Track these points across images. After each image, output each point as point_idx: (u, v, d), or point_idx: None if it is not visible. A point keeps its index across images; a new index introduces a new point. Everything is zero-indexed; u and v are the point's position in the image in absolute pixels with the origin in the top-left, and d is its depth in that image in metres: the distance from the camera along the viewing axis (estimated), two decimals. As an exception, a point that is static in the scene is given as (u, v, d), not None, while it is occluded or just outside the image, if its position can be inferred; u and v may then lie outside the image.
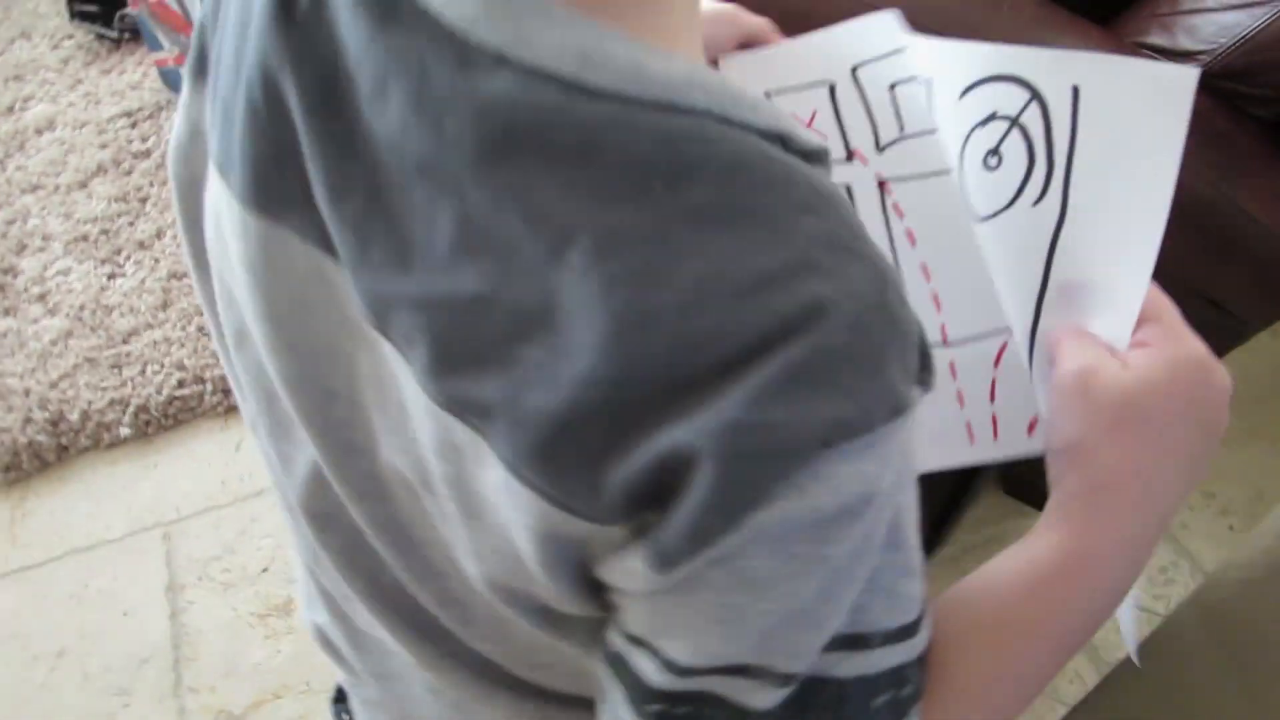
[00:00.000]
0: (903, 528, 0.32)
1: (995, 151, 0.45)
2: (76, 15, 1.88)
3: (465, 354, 0.30)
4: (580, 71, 0.27)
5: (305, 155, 0.32)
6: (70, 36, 1.95)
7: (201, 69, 0.39)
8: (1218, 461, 0.40)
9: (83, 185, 1.63)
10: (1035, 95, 0.43)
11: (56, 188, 1.62)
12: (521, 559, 0.32)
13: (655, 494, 0.28)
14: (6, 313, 1.46)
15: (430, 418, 0.31)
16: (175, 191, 0.43)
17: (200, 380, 1.36)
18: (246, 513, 1.27)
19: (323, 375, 0.36)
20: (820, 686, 0.32)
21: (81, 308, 1.45)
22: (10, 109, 1.79)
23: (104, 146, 1.70)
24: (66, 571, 1.24)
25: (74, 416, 1.32)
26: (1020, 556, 0.38)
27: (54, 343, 1.40)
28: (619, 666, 0.33)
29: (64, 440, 1.32)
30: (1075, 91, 0.42)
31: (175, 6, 1.60)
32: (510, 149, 0.28)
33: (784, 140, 0.30)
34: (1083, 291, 0.41)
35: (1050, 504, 0.38)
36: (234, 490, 1.30)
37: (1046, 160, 0.43)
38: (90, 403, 1.34)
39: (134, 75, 1.85)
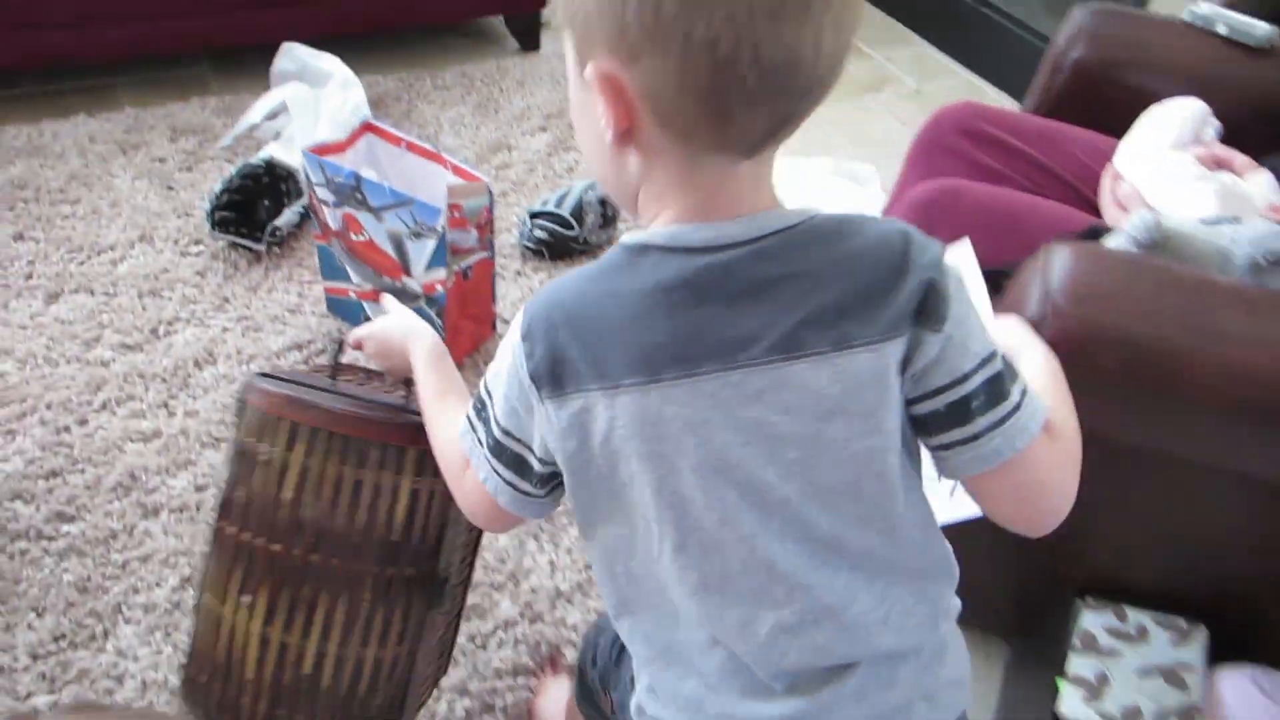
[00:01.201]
0: None
1: None
2: (219, 224, 1.73)
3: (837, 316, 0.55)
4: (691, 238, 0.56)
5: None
6: (198, 241, 1.79)
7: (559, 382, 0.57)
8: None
9: (273, 438, 1.48)
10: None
11: (243, 441, 1.47)
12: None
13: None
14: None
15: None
16: (644, 466, 0.57)
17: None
18: None
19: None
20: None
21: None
22: (155, 332, 1.61)
23: (280, 386, 1.56)
24: None
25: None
26: (1033, 361, 0.70)
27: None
28: None
29: None
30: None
31: (393, 254, 1.50)
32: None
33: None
34: None
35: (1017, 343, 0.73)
36: None
37: None
38: None
39: (287, 295, 1.71)
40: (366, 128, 1.58)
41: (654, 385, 0.55)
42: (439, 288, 1.51)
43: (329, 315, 1.69)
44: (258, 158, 1.79)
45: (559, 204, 1.87)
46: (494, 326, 1.71)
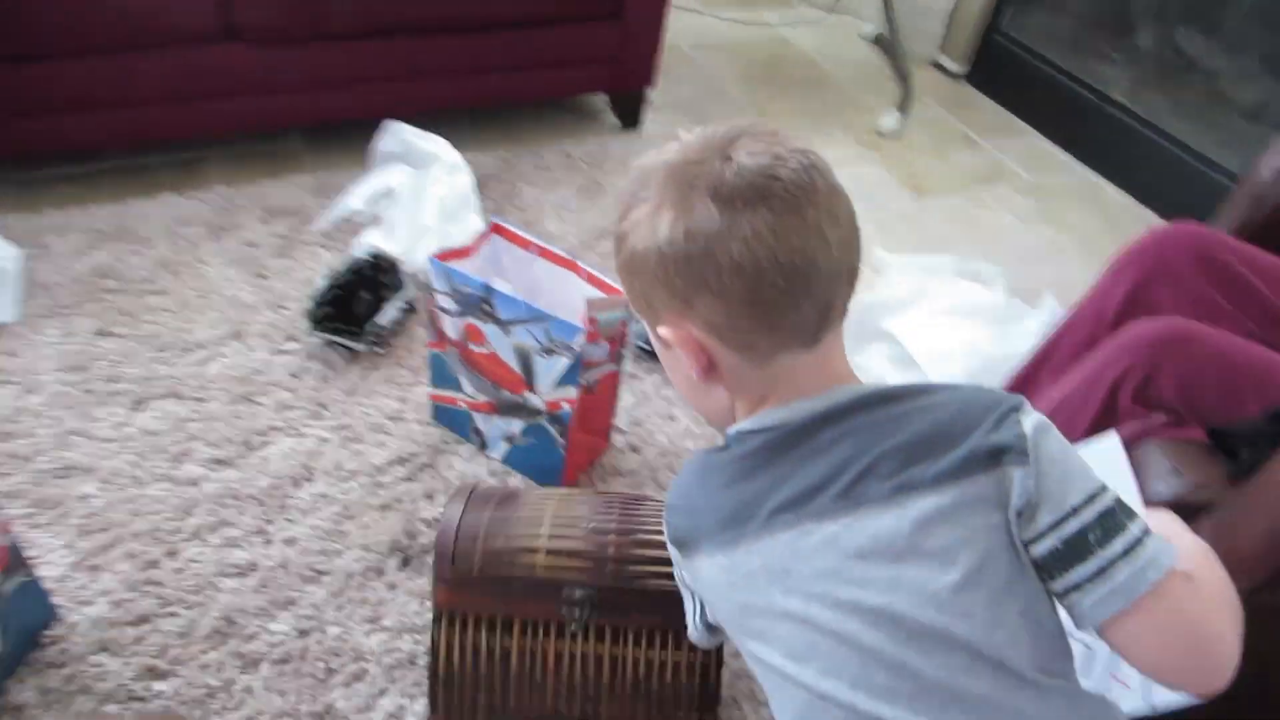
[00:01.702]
0: None
1: None
2: (320, 322, 1.60)
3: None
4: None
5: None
6: (291, 338, 1.66)
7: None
8: None
9: (379, 573, 1.33)
10: None
11: (350, 576, 1.31)
12: None
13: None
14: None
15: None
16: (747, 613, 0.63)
17: None
18: None
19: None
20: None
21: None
22: (248, 444, 1.47)
23: (384, 508, 1.41)
24: None
25: None
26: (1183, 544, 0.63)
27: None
28: None
29: None
30: None
31: (518, 369, 1.36)
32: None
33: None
34: None
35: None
36: None
37: None
38: None
39: (388, 400, 1.57)
40: (495, 229, 1.44)
41: (739, 543, 0.63)
42: (564, 405, 1.36)
43: (433, 424, 1.55)
44: (363, 250, 1.67)
45: (678, 303, 1.73)
46: (609, 438, 1.56)
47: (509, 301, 1.30)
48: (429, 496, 1.44)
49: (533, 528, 1.05)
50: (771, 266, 0.58)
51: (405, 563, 1.32)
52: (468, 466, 1.49)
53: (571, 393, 1.34)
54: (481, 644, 1.05)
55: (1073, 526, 0.58)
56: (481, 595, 1.03)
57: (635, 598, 1.00)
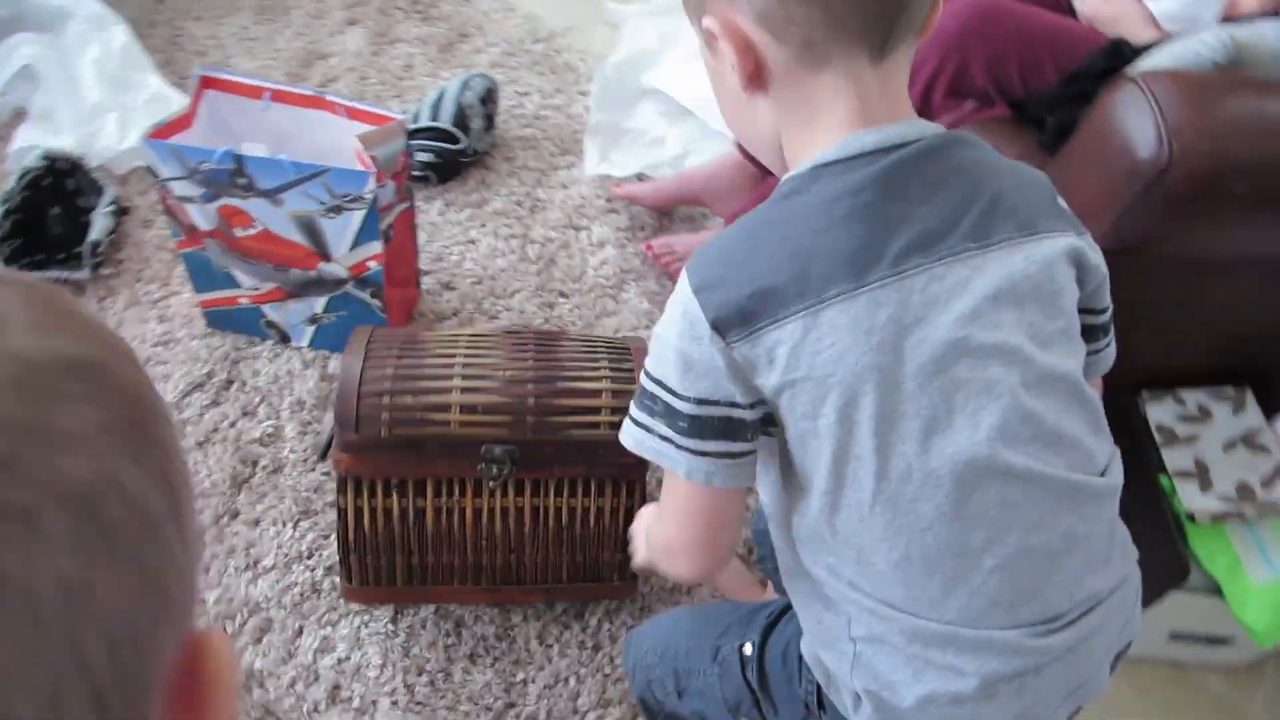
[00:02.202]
0: None
1: None
2: (10, 260, 1.27)
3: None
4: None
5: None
6: None
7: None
8: None
9: (233, 515, 1.16)
10: None
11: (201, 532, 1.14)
12: None
13: None
14: None
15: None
16: (859, 382, 0.54)
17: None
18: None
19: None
20: None
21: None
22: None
23: (202, 445, 1.21)
24: None
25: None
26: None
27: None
28: None
29: None
30: None
31: (303, 241, 1.15)
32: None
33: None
34: None
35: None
36: None
37: None
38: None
39: (147, 326, 1.32)
40: (206, 83, 1.16)
41: (861, 291, 0.53)
42: (371, 265, 1.20)
43: (214, 334, 1.32)
44: (30, 158, 1.31)
45: (434, 115, 1.54)
46: (418, 284, 1.42)
47: (269, 166, 1.08)
48: (248, 414, 1.25)
49: (442, 380, 0.94)
50: None
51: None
52: (276, 366, 1.30)
53: (375, 248, 1.18)
54: (394, 507, 0.96)
55: (1105, 318, 0.66)
56: (391, 458, 0.93)
57: (557, 449, 0.94)
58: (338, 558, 1.01)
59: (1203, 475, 1.15)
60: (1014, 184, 0.58)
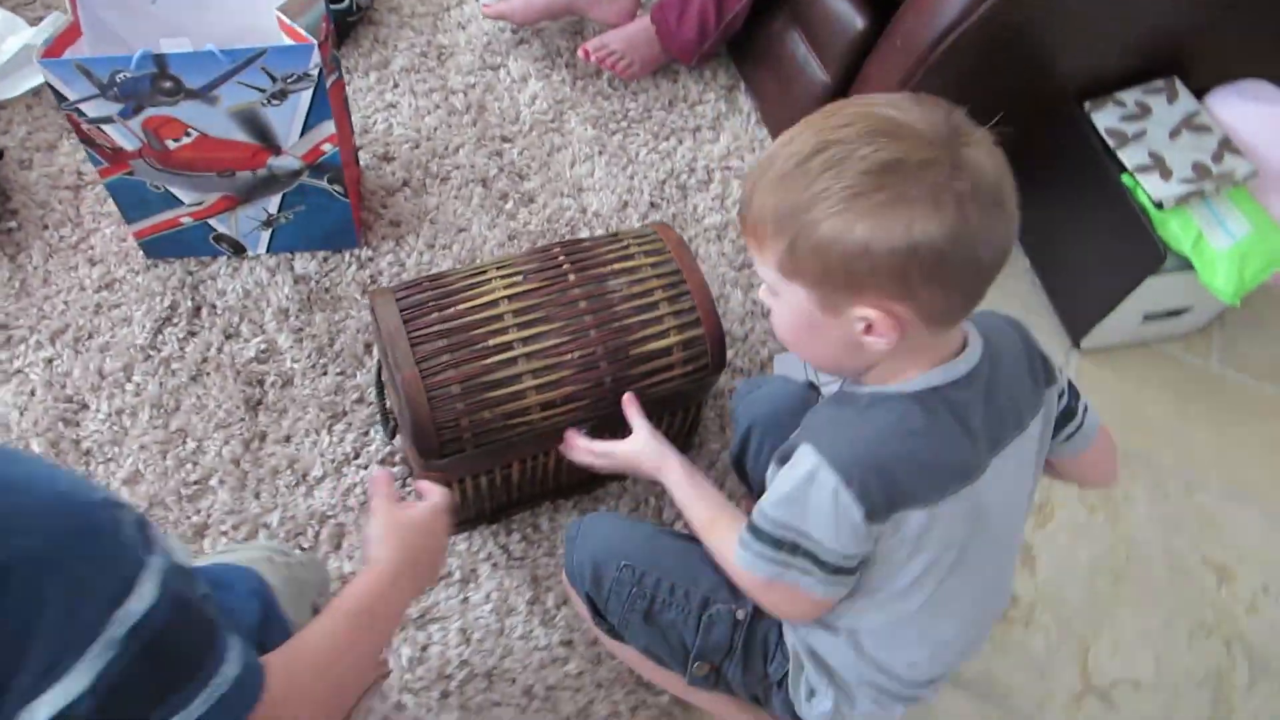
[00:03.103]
0: None
1: None
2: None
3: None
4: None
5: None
6: None
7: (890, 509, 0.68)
8: None
9: (261, 439, 1.11)
10: None
11: (233, 465, 1.08)
12: None
13: None
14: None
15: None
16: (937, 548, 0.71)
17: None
18: None
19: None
20: None
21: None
22: (-40, 425, 1.07)
23: (197, 379, 1.13)
24: None
25: None
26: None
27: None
28: None
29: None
30: None
31: (248, 137, 1.04)
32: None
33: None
34: None
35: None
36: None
37: None
38: None
39: (80, 274, 1.19)
40: (81, -20, 1.00)
41: (950, 497, 0.68)
42: (326, 147, 1.11)
43: (158, 264, 1.21)
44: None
45: (311, -26, 1.38)
46: (358, 160, 1.32)
47: (197, 61, 0.96)
48: (231, 336, 1.17)
49: (513, 384, 0.89)
50: (996, 262, 0.63)
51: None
52: (241, 281, 1.21)
53: (329, 129, 1.08)
54: (482, 483, 0.99)
55: (1064, 401, 0.79)
56: (476, 458, 0.92)
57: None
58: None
59: (1160, 165, 1.23)
60: (1011, 376, 0.72)
